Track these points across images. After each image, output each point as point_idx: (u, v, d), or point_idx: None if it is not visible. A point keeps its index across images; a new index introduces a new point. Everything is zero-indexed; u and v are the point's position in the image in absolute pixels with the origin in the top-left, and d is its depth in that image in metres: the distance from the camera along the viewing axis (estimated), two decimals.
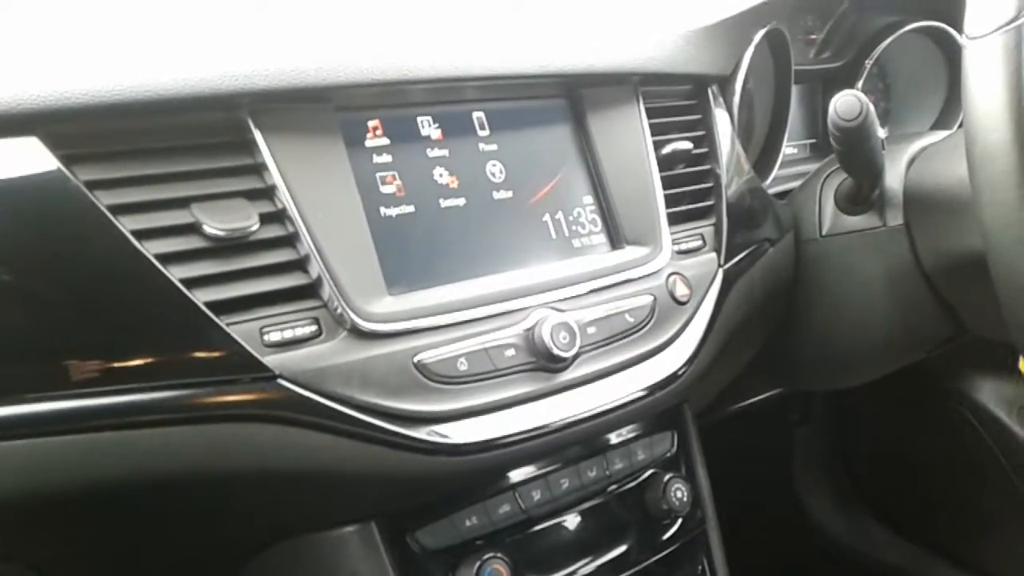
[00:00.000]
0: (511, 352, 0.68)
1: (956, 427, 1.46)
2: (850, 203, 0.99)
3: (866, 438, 1.64)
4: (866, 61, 1.22)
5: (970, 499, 1.47)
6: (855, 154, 0.88)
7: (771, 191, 1.02)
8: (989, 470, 1.42)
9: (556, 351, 0.69)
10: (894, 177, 0.96)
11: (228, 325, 0.57)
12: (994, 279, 0.77)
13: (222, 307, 0.57)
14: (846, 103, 0.83)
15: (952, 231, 0.91)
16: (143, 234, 0.55)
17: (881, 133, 0.89)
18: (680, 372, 0.78)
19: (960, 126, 1.24)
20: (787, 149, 1.16)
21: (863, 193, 0.97)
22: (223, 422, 0.57)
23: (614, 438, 0.80)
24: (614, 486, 0.80)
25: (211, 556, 0.68)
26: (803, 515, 1.68)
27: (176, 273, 0.56)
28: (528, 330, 0.69)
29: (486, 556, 0.68)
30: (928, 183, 0.94)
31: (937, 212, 0.92)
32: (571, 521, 0.77)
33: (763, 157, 1.11)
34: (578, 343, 0.70)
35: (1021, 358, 1.30)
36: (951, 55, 1.25)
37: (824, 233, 1.01)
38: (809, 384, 1.20)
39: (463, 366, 0.65)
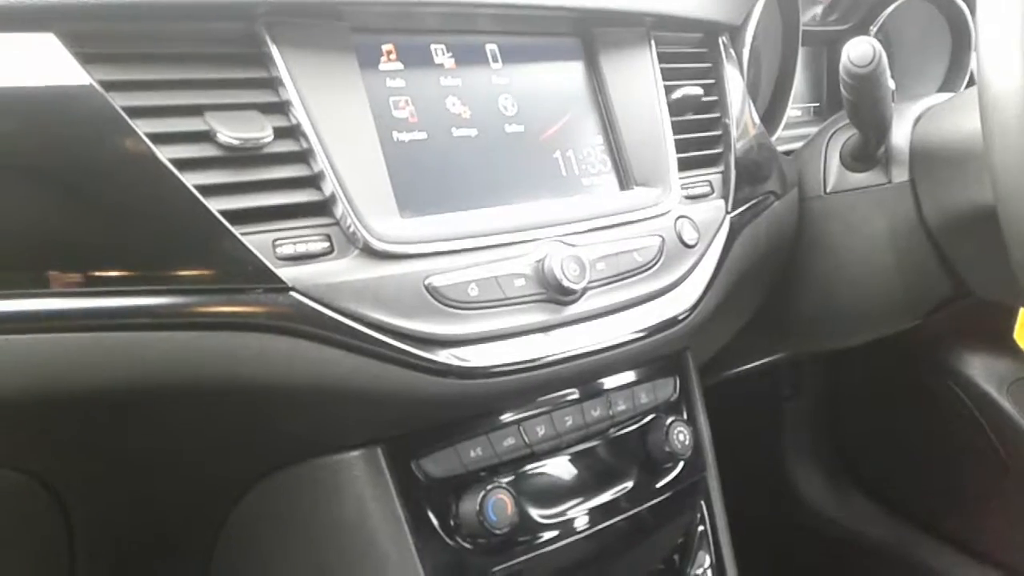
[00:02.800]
0: (521, 282, 0.68)
1: (946, 403, 1.46)
2: (855, 160, 0.99)
3: (856, 414, 1.65)
4: (871, 27, 1.22)
5: (959, 475, 1.48)
6: (865, 103, 0.88)
7: None
8: (978, 446, 1.43)
9: (566, 283, 0.68)
10: (900, 134, 0.97)
11: (241, 235, 0.56)
12: (1003, 227, 0.77)
13: (235, 217, 0.56)
14: (859, 49, 0.82)
15: (958, 186, 0.91)
16: (157, 138, 0.55)
17: (891, 84, 0.89)
18: (686, 314, 0.78)
19: (967, 87, 1.25)
20: (791, 111, 1.16)
21: (869, 149, 0.97)
22: (235, 330, 0.56)
23: (618, 380, 0.80)
24: (617, 427, 0.80)
25: (218, 479, 0.68)
26: (792, 490, 1.68)
27: (190, 179, 0.55)
28: (539, 261, 0.69)
29: (490, 486, 0.68)
30: (934, 139, 0.94)
31: (943, 168, 0.93)
32: (574, 459, 0.77)
33: (768, 116, 1.11)
34: (587, 277, 0.70)
35: (1018, 328, 1.30)
36: (955, 22, 1.26)
37: (828, 190, 1.01)
38: (808, 345, 1.21)
39: (473, 292, 0.65)
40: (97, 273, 0.53)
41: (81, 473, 0.63)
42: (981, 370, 1.46)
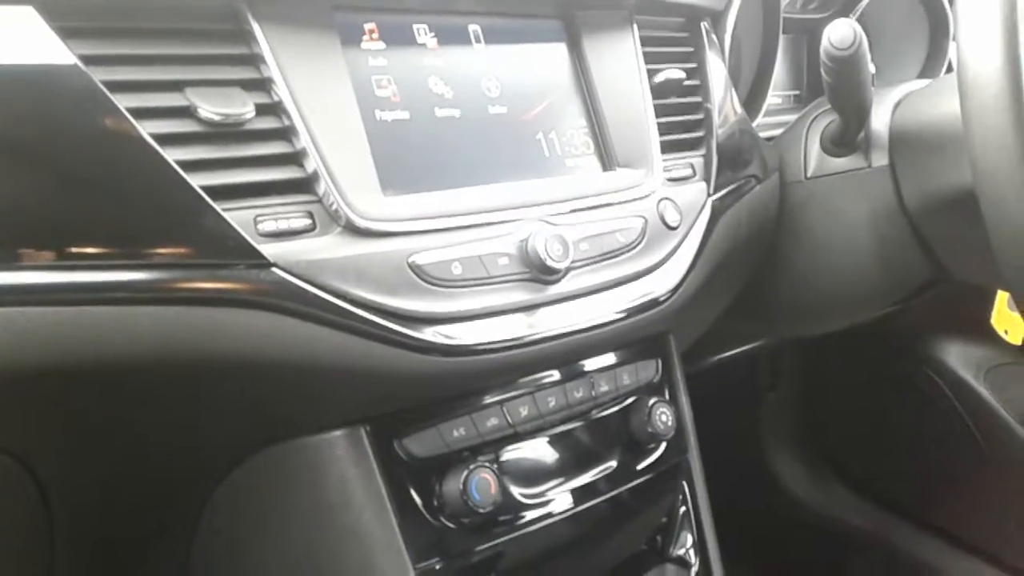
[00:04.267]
0: (504, 260, 0.68)
1: (923, 391, 1.48)
2: (836, 145, 1.00)
3: (834, 403, 1.66)
4: (851, 14, 1.23)
5: (937, 462, 1.49)
6: (845, 86, 0.88)
7: None
8: (957, 433, 1.44)
9: (550, 262, 0.69)
10: (880, 119, 0.97)
11: (223, 211, 0.56)
12: (983, 209, 0.78)
13: (216, 192, 0.56)
14: (840, 32, 0.83)
15: (937, 169, 0.92)
16: (138, 113, 0.54)
17: (871, 68, 0.89)
18: (667, 295, 0.79)
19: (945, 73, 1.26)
20: (771, 99, 1.17)
21: (849, 134, 0.98)
22: (216, 306, 0.56)
23: (600, 362, 0.80)
24: (599, 408, 0.80)
25: (200, 459, 0.67)
26: (772, 479, 1.69)
27: (171, 155, 0.55)
28: (522, 240, 0.69)
29: (473, 466, 0.68)
30: (914, 123, 0.95)
31: (923, 151, 0.93)
32: (557, 440, 0.77)
33: (748, 103, 1.11)
34: (570, 256, 0.70)
35: (994, 314, 1.31)
36: (933, 10, 1.27)
37: (809, 175, 1.01)
38: (789, 330, 1.22)
39: (457, 270, 0.65)
40: (77, 247, 0.52)
41: (58, 451, 0.63)
42: (958, 357, 1.47)
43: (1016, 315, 1.29)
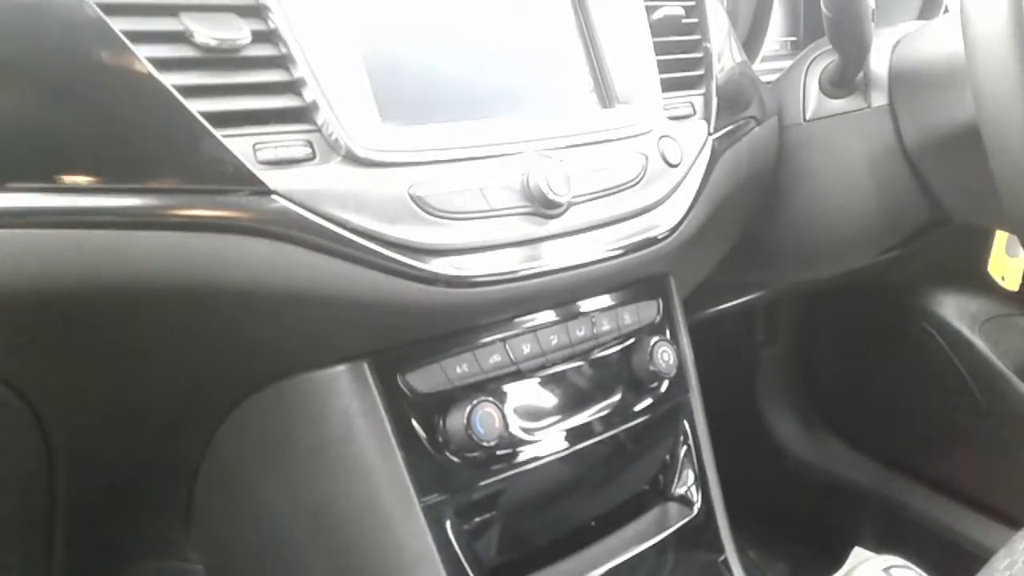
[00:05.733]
0: (506, 193, 0.67)
1: (919, 344, 1.48)
2: (834, 86, 0.99)
3: (830, 357, 1.66)
4: None
5: (933, 415, 1.50)
6: (845, 20, 0.88)
7: None
8: (952, 385, 1.45)
9: (551, 196, 0.68)
10: (879, 59, 0.97)
11: (223, 138, 0.55)
12: (985, 141, 0.78)
13: (214, 119, 0.55)
14: None
15: (937, 107, 0.91)
16: (134, 36, 0.53)
17: (871, 3, 0.88)
18: (668, 232, 0.78)
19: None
20: (769, 45, 1.16)
21: (848, 74, 0.97)
22: (216, 232, 0.55)
23: (602, 302, 0.80)
24: (601, 347, 0.80)
25: (202, 395, 0.67)
26: (768, 435, 1.70)
27: (167, 79, 0.54)
28: (523, 174, 0.68)
29: (477, 400, 0.68)
30: (913, 62, 0.94)
31: (922, 90, 0.93)
32: (560, 377, 0.77)
33: (746, 48, 1.10)
34: (572, 191, 0.70)
35: (991, 260, 1.31)
36: None
37: (808, 117, 1.01)
38: (789, 276, 1.21)
39: (458, 202, 0.64)
40: (74, 170, 0.52)
41: (57, 384, 0.62)
42: (954, 309, 1.47)
43: (1013, 260, 1.29)
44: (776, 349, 1.67)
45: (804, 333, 1.67)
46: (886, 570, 0.58)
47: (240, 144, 0.56)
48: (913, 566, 0.59)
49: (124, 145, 0.53)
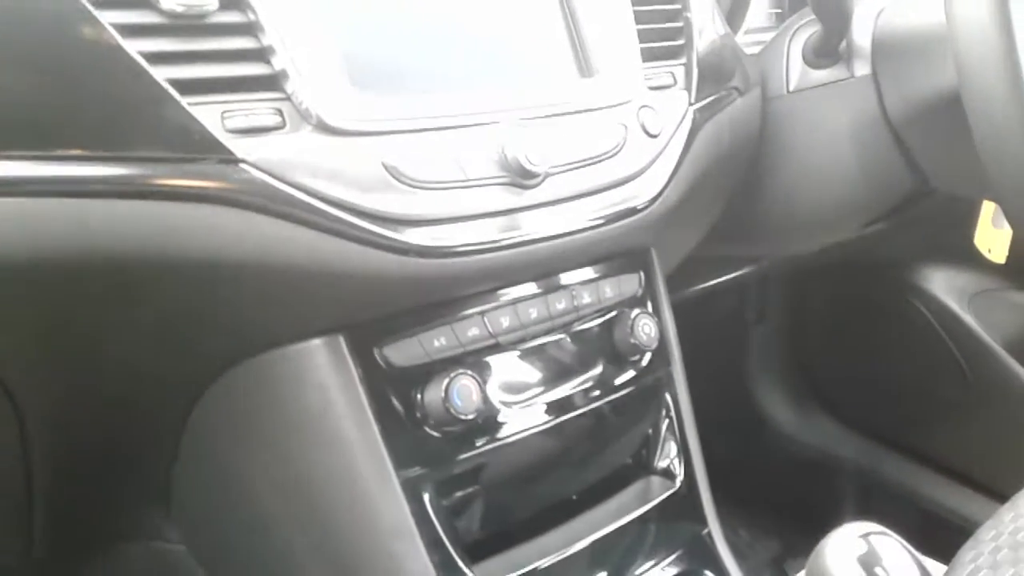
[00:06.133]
0: (482, 163, 0.66)
1: (908, 319, 1.48)
2: (818, 56, 0.98)
3: (820, 334, 1.66)
4: None
5: (922, 390, 1.50)
6: None
7: None
8: (941, 360, 1.45)
9: (528, 166, 0.67)
10: (862, 28, 0.96)
11: (189, 105, 0.54)
12: (967, 108, 0.77)
13: (180, 86, 0.54)
14: None
15: (920, 75, 0.91)
16: (98, 2, 0.52)
17: None
18: (648, 203, 0.77)
19: None
20: (752, 17, 1.15)
21: (831, 44, 0.96)
22: (182, 201, 0.54)
23: (582, 275, 0.79)
24: (582, 321, 0.79)
25: (176, 373, 0.66)
26: (758, 412, 1.70)
27: (132, 46, 0.53)
28: (500, 144, 0.67)
29: (455, 373, 0.67)
30: (896, 30, 0.94)
31: (905, 58, 0.92)
32: (540, 351, 0.76)
33: (729, 18, 1.09)
34: (550, 161, 0.69)
35: (977, 232, 1.31)
36: None
37: (791, 88, 1.00)
38: (773, 249, 1.21)
39: (433, 171, 0.63)
40: (34, 138, 0.51)
41: (29, 363, 0.61)
42: (943, 285, 1.47)
43: (999, 232, 1.29)
44: (766, 327, 1.68)
45: (794, 311, 1.67)
46: (864, 536, 0.57)
47: (207, 112, 0.55)
48: (891, 533, 0.59)
49: (86, 113, 0.52)
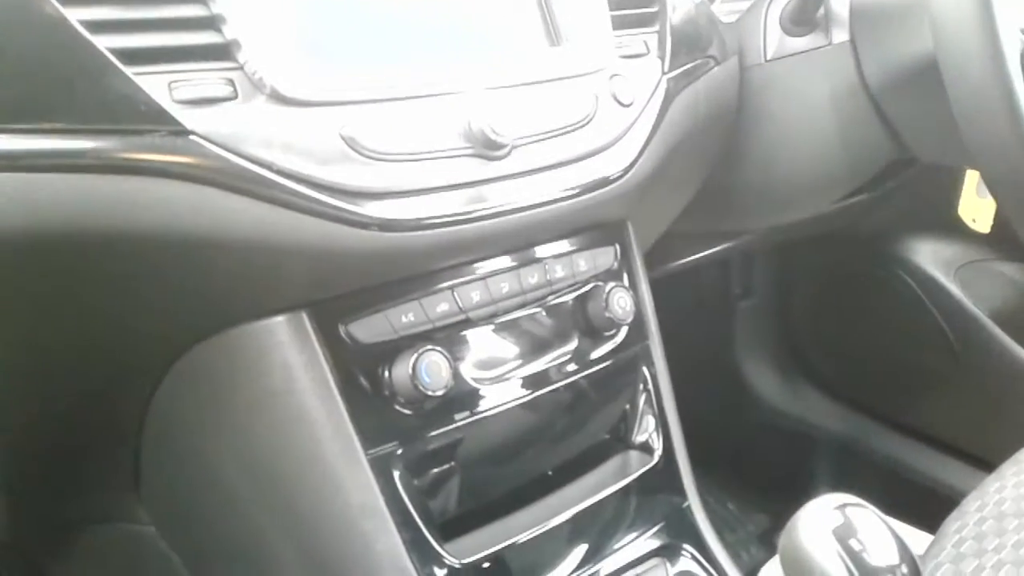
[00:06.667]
0: (446, 134, 0.65)
1: (895, 291, 1.47)
2: (795, 24, 0.97)
3: (807, 308, 1.66)
4: None
5: (909, 362, 1.50)
6: None
7: None
8: (928, 332, 1.44)
9: (493, 136, 0.65)
10: None
11: (133, 75, 0.52)
12: (943, 73, 0.76)
13: (124, 56, 0.52)
14: None
15: (897, 41, 0.89)
16: None
17: None
18: (620, 173, 0.76)
19: None
20: None
21: (808, 12, 0.95)
22: (129, 174, 0.52)
23: (556, 249, 0.78)
24: (555, 295, 0.78)
25: (137, 353, 0.65)
26: (745, 387, 1.70)
27: (73, 14, 0.51)
28: (464, 114, 0.65)
29: (423, 349, 0.66)
30: None
31: (883, 23, 0.91)
32: (512, 326, 0.75)
33: None
34: (516, 132, 0.67)
35: (961, 202, 1.30)
36: None
37: (768, 57, 0.98)
38: (754, 222, 1.20)
39: (393, 143, 0.62)
40: None
41: None
42: (929, 256, 1.47)
43: (983, 201, 1.28)
44: (752, 302, 1.67)
45: (780, 285, 1.67)
46: (839, 508, 0.56)
47: (154, 83, 0.53)
48: (868, 504, 0.57)
49: (26, 84, 0.50)
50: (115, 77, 0.51)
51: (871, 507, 0.57)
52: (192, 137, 0.54)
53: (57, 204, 0.51)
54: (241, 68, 0.57)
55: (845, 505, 0.57)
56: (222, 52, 0.57)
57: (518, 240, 0.74)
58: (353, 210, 0.59)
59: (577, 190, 0.73)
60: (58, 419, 0.70)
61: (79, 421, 0.70)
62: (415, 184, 0.63)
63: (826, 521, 0.55)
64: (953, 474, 1.44)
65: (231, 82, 0.56)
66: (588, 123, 0.74)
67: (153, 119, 0.53)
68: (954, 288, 1.44)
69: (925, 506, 1.00)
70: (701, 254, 1.35)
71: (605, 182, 0.75)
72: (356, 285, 0.65)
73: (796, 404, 1.68)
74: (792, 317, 1.68)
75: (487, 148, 0.66)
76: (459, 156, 0.65)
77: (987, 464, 0.92)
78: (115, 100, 0.52)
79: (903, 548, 0.53)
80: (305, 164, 0.58)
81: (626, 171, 0.76)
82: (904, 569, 0.52)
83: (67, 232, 0.52)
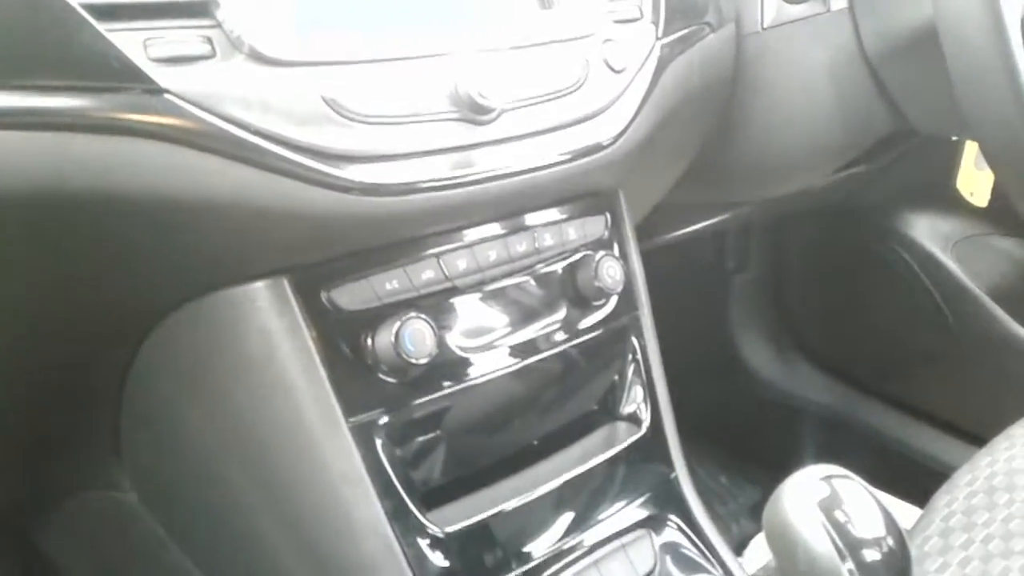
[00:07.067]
0: (431, 98, 0.63)
1: (891, 266, 1.46)
2: None
3: (803, 283, 1.65)
4: None
5: (904, 337, 1.49)
6: None
7: None
8: (923, 307, 1.44)
9: (480, 100, 0.64)
10: None
11: (107, 32, 0.51)
12: (941, 39, 0.74)
13: (99, 12, 0.51)
14: None
15: (897, 7, 0.88)
16: None
17: None
18: (611, 140, 0.74)
19: None
20: None
21: None
22: (101, 132, 0.51)
23: (545, 217, 0.77)
24: (544, 264, 0.77)
25: (114, 317, 0.64)
26: (739, 360, 1.70)
27: None
28: (451, 77, 0.64)
29: (407, 316, 0.65)
30: None
31: None
32: (499, 294, 0.74)
33: None
34: (504, 96, 0.66)
35: (959, 175, 1.29)
36: None
37: (766, 25, 0.97)
38: (749, 193, 1.19)
39: (377, 105, 0.60)
40: None
41: None
42: (926, 230, 1.46)
43: (982, 174, 1.26)
44: (747, 275, 1.66)
45: (775, 259, 1.66)
46: (825, 479, 0.56)
47: (128, 39, 0.52)
48: (854, 475, 0.57)
49: None
50: (88, 34, 0.50)
51: (857, 478, 0.57)
52: (167, 96, 0.52)
53: (27, 163, 0.50)
54: (219, 26, 0.55)
55: (831, 476, 0.56)
56: (200, 9, 0.55)
57: (506, 207, 0.72)
58: (334, 174, 0.58)
59: (566, 157, 0.71)
60: (37, 387, 0.69)
61: (58, 389, 0.69)
62: (399, 148, 0.61)
63: (811, 492, 0.54)
64: (945, 449, 1.44)
65: (208, 40, 0.55)
66: (578, 88, 0.72)
67: (127, 77, 0.51)
68: (951, 263, 1.43)
69: (917, 481, 0.99)
70: (696, 226, 1.34)
71: (595, 149, 0.73)
72: (338, 251, 0.64)
73: (790, 378, 1.68)
74: (786, 291, 1.67)
75: (474, 112, 0.65)
76: (445, 120, 0.64)
77: (979, 439, 0.92)
78: (88, 58, 0.50)
79: (889, 520, 0.53)
80: (284, 126, 0.56)
81: (617, 138, 0.75)
82: (890, 541, 0.52)
83: (37, 192, 0.51)
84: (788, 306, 1.68)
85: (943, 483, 0.84)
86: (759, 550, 1.46)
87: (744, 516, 1.59)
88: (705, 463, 1.68)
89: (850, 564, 0.50)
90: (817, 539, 0.51)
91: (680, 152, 0.97)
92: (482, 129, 0.66)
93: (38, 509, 0.85)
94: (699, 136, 0.99)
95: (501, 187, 0.67)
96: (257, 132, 0.55)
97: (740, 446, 1.71)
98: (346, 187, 0.59)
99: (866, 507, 0.54)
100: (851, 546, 0.51)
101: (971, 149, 1.28)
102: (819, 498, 0.54)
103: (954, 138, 1.22)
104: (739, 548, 1.48)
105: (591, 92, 0.73)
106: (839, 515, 0.53)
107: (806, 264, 1.64)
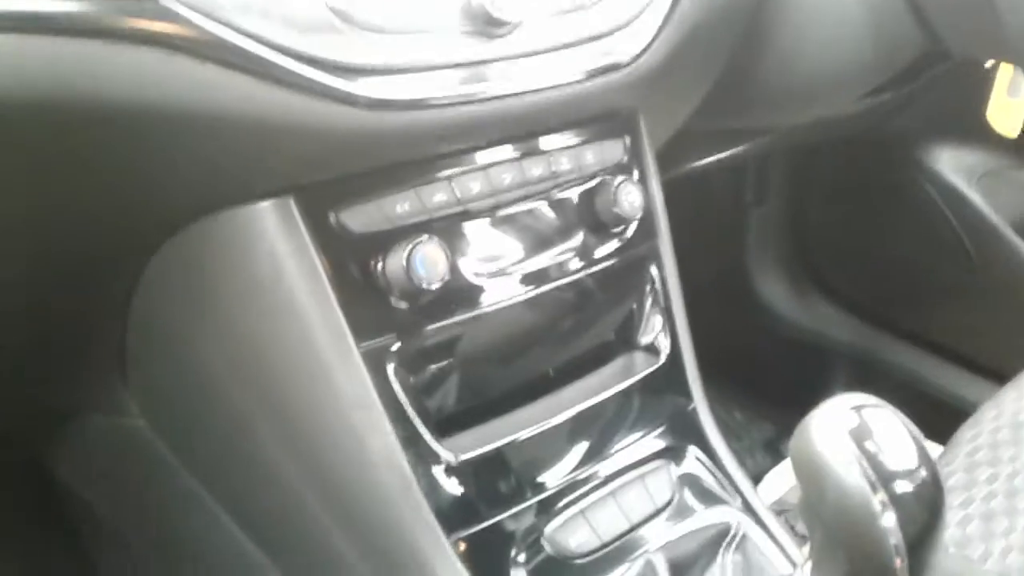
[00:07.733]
0: (444, 9, 0.60)
1: (913, 198, 1.43)
2: None
3: (822, 217, 1.62)
4: None
5: (925, 271, 1.46)
6: None
7: None
8: (945, 241, 1.40)
9: (495, 13, 0.61)
10: None
11: None
12: None
13: None
14: None
15: None
16: None
17: None
18: (632, 58, 0.71)
19: None
20: None
21: None
22: (94, 37, 0.48)
23: (562, 140, 0.74)
24: (560, 188, 0.74)
25: (118, 236, 0.61)
26: (756, 295, 1.67)
27: None
28: None
29: (418, 240, 0.62)
30: None
31: None
32: (514, 219, 0.71)
33: None
34: (520, 9, 0.63)
35: (990, 104, 1.24)
36: None
37: None
38: (774, 118, 1.15)
39: (386, 15, 0.57)
40: None
41: None
42: (951, 163, 1.42)
43: (1014, 103, 1.22)
44: (766, 209, 1.63)
45: (794, 192, 1.62)
46: (856, 408, 0.53)
47: None
48: (887, 405, 0.54)
49: None
50: None
51: (890, 407, 0.54)
52: (163, 1, 0.49)
53: (18, 70, 0.47)
54: None
55: (863, 406, 0.54)
56: None
57: (520, 127, 0.69)
58: (339, 86, 0.55)
59: (584, 74, 0.68)
60: (44, 307, 0.67)
61: (65, 309, 0.68)
62: (408, 61, 0.58)
63: (842, 421, 0.52)
64: (967, 386, 1.42)
65: None
66: (598, 2, 0.69)
67: None
68: (975, 196, 1.39)
69: (939, 418, 0.97)
70: (714, 157, 1.31)
71: (616, 67, 0.70)
72: (345, 169, 0.61)
73: (807, 313, 1.66)
74: (805, 225, 1.64)
75: (488, 25, 0.62)
76: (457, 33, 0.61)
77: (1002, 377, 0.90)
78: None
79: (923, 451, 0.50)
80: (287, 34, 0.53)
81: (637, 57, 0.72)
82: (923, 473, 0.49)
83: (32, 98, 0.49)
84: (806, 240, 1.65)
85: (962, 420, 0.81)
86: (773, 485, 1.45)
87: (759, 451, 1.58)
88: (719, 398, 1.67)
89: (882, 495, 0.48)
90: (847, 470, 0.49)
91: (703, 72, 0.93)
92: (495, 44, 0.63)
93: (46, 432, 0.84)
94: (723, 55, 0.94)
95: (514, 105, 0.65)
96: (259, 40, 0.52)
97: (755, 382, 1.69)
98: (352, 101, 0.56)
99: (899, 438, 0.52)
100: (883, 477, 0.48)
101: (1005, 75, 1.23)
102: (850, 427, 0.51)
103: (988, 64, 1.17)
104: (753, 483, 1.48)
105: (611, 6, 0.70)
106: (870, 445, 0.51)
107: (825, 197, 1.61)
